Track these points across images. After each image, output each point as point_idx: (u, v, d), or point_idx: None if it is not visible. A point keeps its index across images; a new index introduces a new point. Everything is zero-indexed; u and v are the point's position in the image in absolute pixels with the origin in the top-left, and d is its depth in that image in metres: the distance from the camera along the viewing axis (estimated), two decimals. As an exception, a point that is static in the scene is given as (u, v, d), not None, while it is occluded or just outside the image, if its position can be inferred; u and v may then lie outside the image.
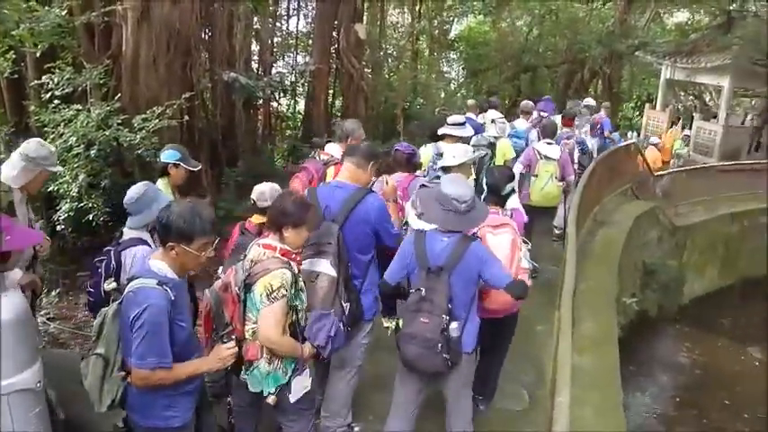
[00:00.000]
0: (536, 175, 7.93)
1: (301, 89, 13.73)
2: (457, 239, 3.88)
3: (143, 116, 7.11)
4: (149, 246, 4.24)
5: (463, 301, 3.87)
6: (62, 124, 6.78)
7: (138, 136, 6.86)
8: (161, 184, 4.96)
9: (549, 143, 8.14)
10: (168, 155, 5.09)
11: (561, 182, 8.01)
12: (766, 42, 19.28)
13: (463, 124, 7.16)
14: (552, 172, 7.91)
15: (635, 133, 21.98)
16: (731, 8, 21.90)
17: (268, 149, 12.10)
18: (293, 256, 3.54)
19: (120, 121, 6.94)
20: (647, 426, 10.06)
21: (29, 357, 3.33)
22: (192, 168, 5.21)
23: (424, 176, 6.15)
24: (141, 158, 7.13)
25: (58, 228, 7.07)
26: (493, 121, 9.33)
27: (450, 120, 7.22)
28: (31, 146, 4.26)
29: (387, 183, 4.84)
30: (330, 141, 9.00)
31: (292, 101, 14.78)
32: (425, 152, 6.85)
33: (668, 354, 13.08)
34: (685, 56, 21.31)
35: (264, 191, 4.62)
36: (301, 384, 3.47)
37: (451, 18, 22.62)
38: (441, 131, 7.01)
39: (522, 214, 5.18)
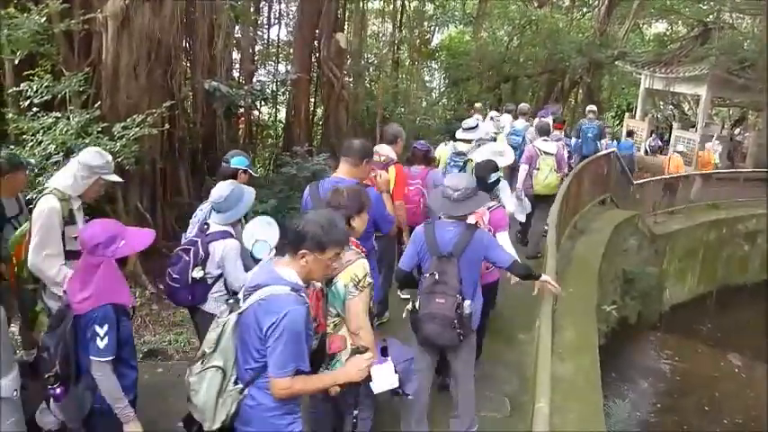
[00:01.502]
0: (538, 169, 9.14)
1: (282, 98, 13.70)
2: (462, 228, 4.36)
3: (123, 124, 7.03)
4: (236, 239, 4.60)
5: (470, 282, 4.35)
6: (41, 132, 6.69)
7: (118, 144, 6.79)
8: None
9: (545, 140, 9.43)
10: (238, 161, 5.50)
11: (559, 173, 9.28)
12: (741, 53, 19.59)
13: (475, 128, 8.21)
14: (551, 165, 9.17)
15: (614, 141, 22.18)
16: (708, 19, 22.22)
17: (249, 158, 12.05)
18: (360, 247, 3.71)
19: (99, 129, 6.86)
20: (628, 432, 10.12)
21: (5, 367, 3.31)
22: (255, 175, 5.79)
23: (443, 172, 6.88)
24: (121, 166, 7.08)
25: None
26: (492, 118, 11.10)
27: (463, 124, 8.34)
28: (88, 155, 4.41)
29: (380, 176, 5.42)
30: (311, 150, 9.44)
31: (273, 110, 14.75)
32: (444, 150, 8.04)
33: (649, 360, 13.18)
34: (664, 66, 21.58)
35: None
36: (383, 374, 3.34)
37: (432, 28, 22.74)
38: (457, 135, 8.19)
39: (503, 211, 5.67)
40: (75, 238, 4.20)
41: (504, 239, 5.39)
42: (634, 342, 13.10)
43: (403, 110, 16.13)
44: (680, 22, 26.08)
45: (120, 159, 6.78)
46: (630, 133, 19.64)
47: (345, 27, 14.44)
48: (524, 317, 6.64)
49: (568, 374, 5.67)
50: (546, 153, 9.17)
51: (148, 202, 8.11)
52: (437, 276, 4.24)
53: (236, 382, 3.04)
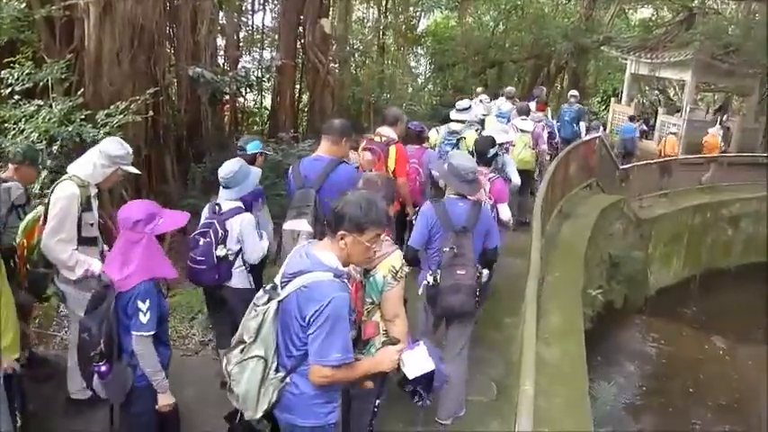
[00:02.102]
0: (514, 145, 9.39)
1: (268, 84, 13.65)
2: (471, 204, 4.69)
3: (107, 111, 6.97)
4: (250, 212, 4.89)
5: (478, 252, 4.71)
6: (23, 120, 6.63)
7: (101, 131, 6.72)
8: None
9: (523, 119, 10.15)
10: (255, 145, 5.75)
11: (533, 149, 9.98)
12: (726, 38, 19.68)
13: (468, 108, 8.86)
14: (526, 142, 9.82)
15: (601, 127, 22.22)
16: (693, 5, 22.29)
17: (234, 145, 11.96)
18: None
19: (83, 117, 6.80)
20: (614, 414, 10.20)
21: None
22: (270, 155, 6.37)
23: (438, 152, 7.73)
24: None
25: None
26: (481, 100, 11.30)
27: (457, 105, 8.98)
28: (110, 145, 4.58)
29: (363, 157, 5.87)
30: (296, 136, 9.50)
31: (259, 96, 14.69)
32: (437, 133, 8.52)
33: (635, 344, 13.29)
34: (649, 51, 21.63)
35: None
36: (415, 359, 3.23)
37: (418, 13, 22.68)
38: (451, 115, 8.77)
39: (502, 182, 6.49)
40: (92, 224, 4.44)
41: (504, 210, 6.21)
42: (620, 326, 13.20)
43: (389, 96, 16.07)
44: (665, 7, 26.12)
45: (103, 147, 6.72)
46: (632, 118, 19.83)
47: (330, 13, 14.36)
48: (510, 301, 6.66)
49: (554, 358, 5.72)
50: (522, 131, 9.84)
51: (133, 190, 8.04)
52: (456, 250, 4.51)
53: (276, 370, 3.03)
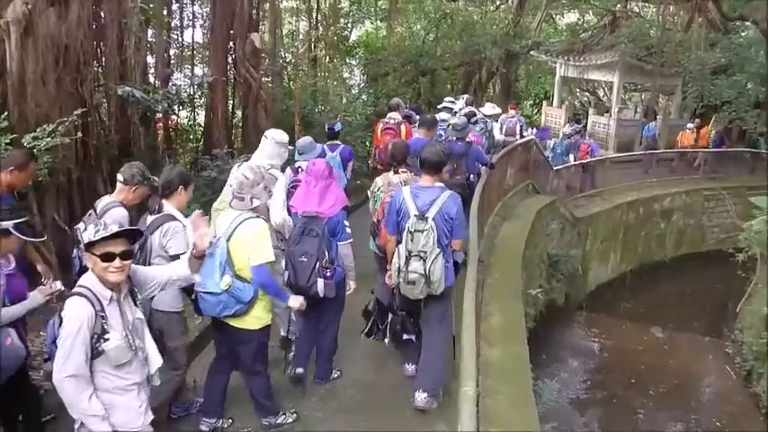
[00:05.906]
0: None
1: (200, 101, 13.48)
2: (464, 143, 8.48)
3: (33, 134, 6.77)
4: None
5: (473, 170, 8.71)
6: (-55, 146, 6.42)
7: (28, 155, 6.55)
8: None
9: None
10: (339, 125, 8.47)
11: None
12: (648, 40, 20.38)
13: (455, 102, 11.30)
14: None
15: (534, 129, 22.67)
16: (616, 9, 22.98)
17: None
18: None
19: (8, 141, 6.59)
20: (560, 409, 10.40)
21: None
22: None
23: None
24: (34, 178, 6.84)
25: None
26: (461, 98, 12.57)
27: (445, 99, 11.48)
28: (280, 133, 5.93)
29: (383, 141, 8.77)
30: (232, 152, 9.54)
31: (192, 113, 14.48)
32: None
33: (578, 339, 13.59)
34: (577, 54, 22.18)
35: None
36: None
37: (349, 24, 22.73)
38: (440, 106, 11.14)
39: (479, 137, 9.72)
40: None
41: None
42: (563, 323, 13.49)
43: (323, 107, 16.03)
44: (590, 11, 26.86)
45: (31, 171, 6.53)
46: (654, 117, 22.08)
47: (260, 27, 14.28)
48: (454, 307, 6.73)
49: (497, 359, 5.78)
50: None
51: (66, 213, 7.84)
52: (455, 166, 7.90)
53: None
